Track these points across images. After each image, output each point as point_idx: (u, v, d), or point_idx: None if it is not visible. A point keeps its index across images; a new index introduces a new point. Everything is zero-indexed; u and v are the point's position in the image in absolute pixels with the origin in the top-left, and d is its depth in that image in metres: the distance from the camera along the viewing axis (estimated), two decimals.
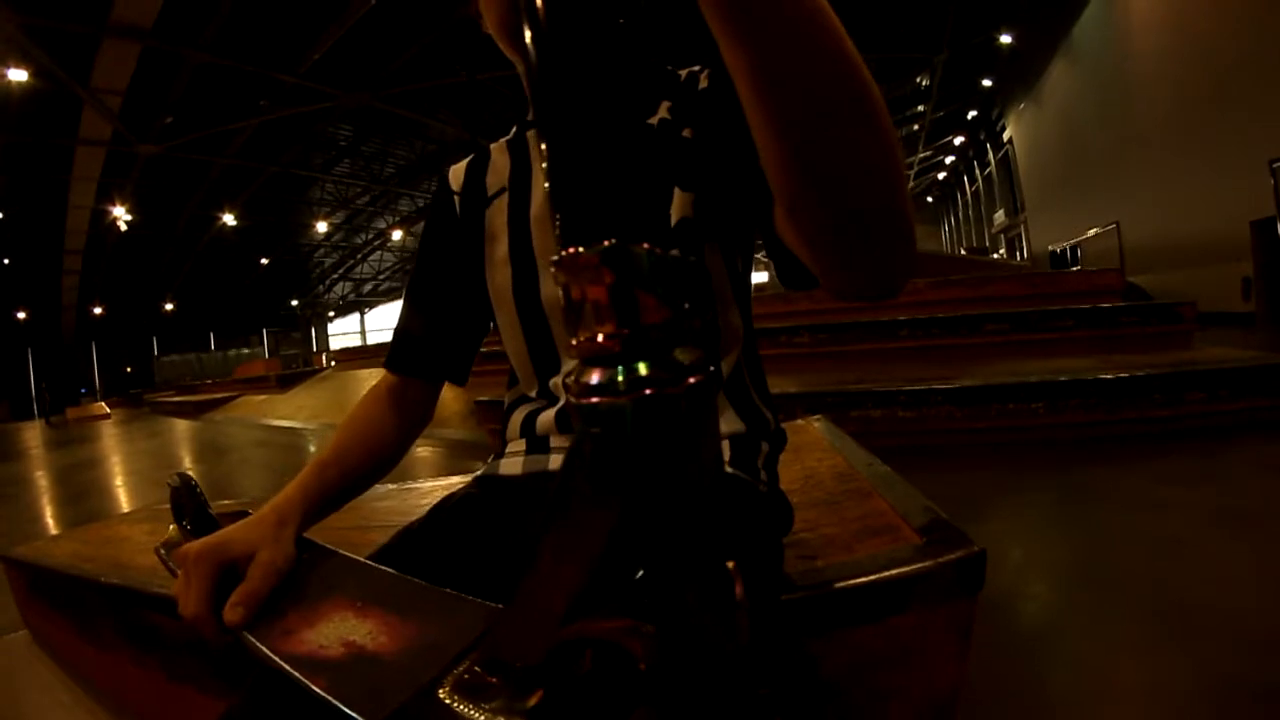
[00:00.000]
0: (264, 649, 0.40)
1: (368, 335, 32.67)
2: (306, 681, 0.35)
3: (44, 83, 10.29)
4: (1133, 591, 1.60)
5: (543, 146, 0.28)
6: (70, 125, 12.13)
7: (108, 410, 15.19)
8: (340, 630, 0.40)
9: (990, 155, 21.55)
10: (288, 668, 0.37)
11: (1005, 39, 13.70)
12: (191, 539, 0.51)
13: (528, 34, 0.27)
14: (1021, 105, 17.01)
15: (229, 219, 18.53)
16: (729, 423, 0.65)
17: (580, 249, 0.25)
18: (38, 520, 4.34)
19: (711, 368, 0.26)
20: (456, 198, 0.75)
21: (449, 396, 6.04)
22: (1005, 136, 19.25)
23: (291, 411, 8.93)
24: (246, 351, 27.53)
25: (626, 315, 0.25)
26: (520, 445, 0.71)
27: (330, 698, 0.33)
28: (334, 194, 20.79)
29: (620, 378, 0.24)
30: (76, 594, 1.59)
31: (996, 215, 22.09)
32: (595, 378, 0.24)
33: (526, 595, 0.30)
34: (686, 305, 0.26)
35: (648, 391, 0.24)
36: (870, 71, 0.32)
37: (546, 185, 0.28)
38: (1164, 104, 9.51)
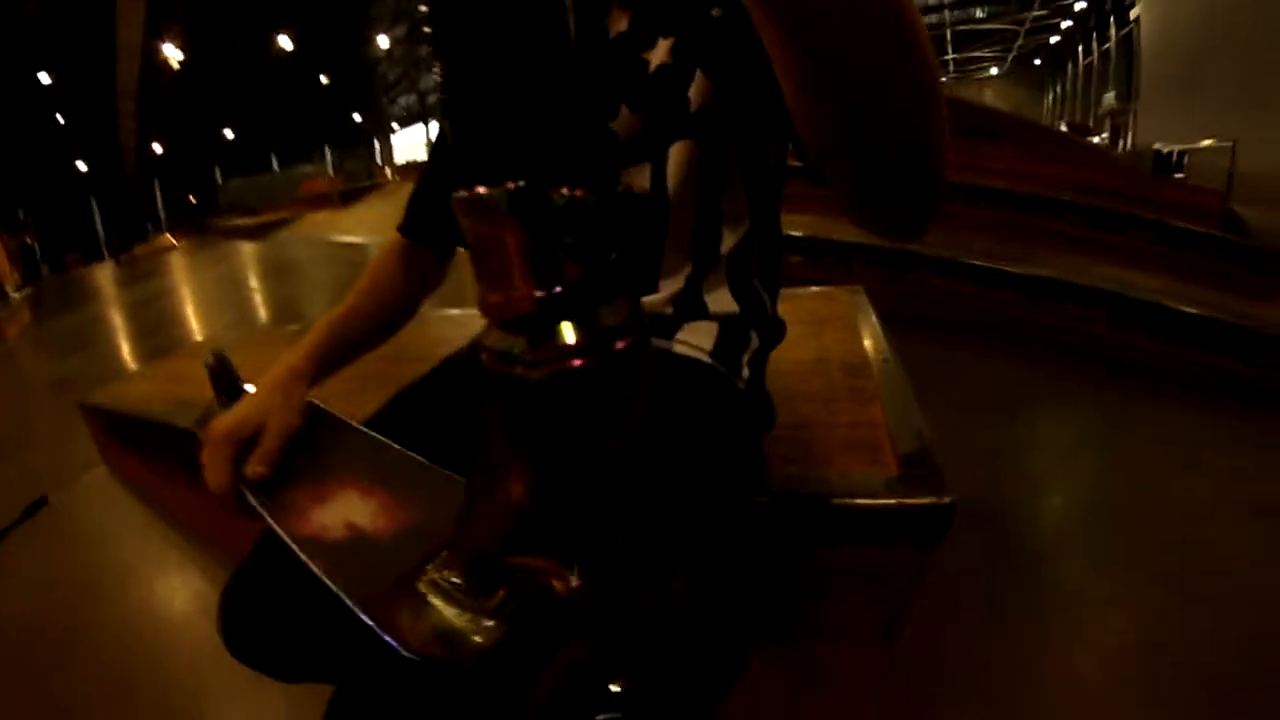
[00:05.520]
0: (279, 529, 0.46)
1: None
2: (310, 563, 0.42)
3: None
4: (1131, 528, 1.52)
5: (435, 69, 0.25)
6: None
7: (174, 242, 15.59)
8: (345, 511, 0.47)
9: (1112, 30, 19.39)
10: (296, 549, 0.43)
11: None
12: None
13: None
14: None
15: (285, 42, 17.96)
16: (720, 302, 0.64)
17: (483, 189, 0.21)
18: (114, 358, 4.60)
19: (638, 330, 0.23)
20: None
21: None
22: (1133, 14, 17.07)
23: (352, 226, 9.11)
24: (310, 169, 26.30)
25: (544, 272, 0.21)
26: None
27: (326, 579, 0.39)
28: (394, 5, 19.84)
29: (535, 345, 0.22)
30: (142, 433, 1.78)
31: (1106, 96, 20.53)
32: (508, 344, 0.22)
33: (476, 494, 0.33)
34: (615, 252, 0.22)
35: (569, 364, 0.21)
36: None
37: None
38: None
